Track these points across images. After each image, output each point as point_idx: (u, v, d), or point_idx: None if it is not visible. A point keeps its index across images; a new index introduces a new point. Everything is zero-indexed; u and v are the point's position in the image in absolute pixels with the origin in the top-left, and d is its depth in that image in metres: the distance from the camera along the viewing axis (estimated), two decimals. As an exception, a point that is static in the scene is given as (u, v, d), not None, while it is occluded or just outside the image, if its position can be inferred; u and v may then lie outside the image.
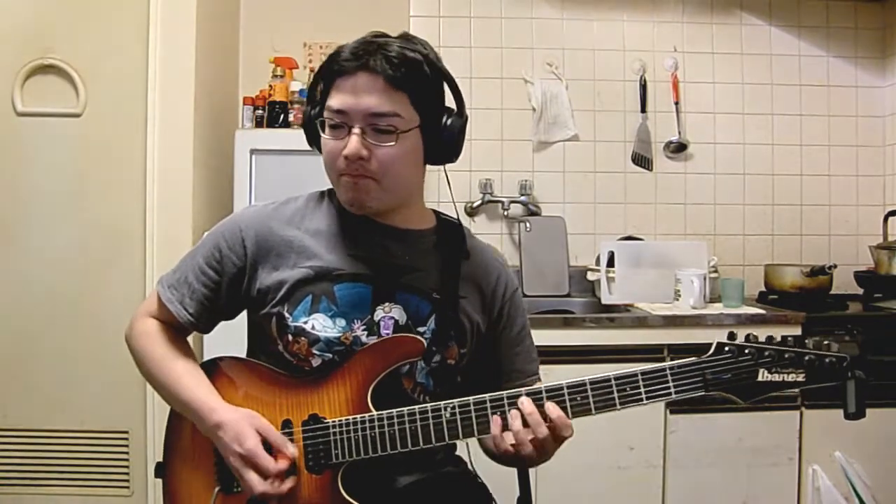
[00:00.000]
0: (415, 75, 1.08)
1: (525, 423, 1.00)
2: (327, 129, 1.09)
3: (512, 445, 1.01)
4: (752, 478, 2.22)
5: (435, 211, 1.26)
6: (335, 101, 1.08)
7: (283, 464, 1.04)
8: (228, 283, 1.16)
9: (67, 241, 2.19)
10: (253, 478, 1.02)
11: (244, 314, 1.22)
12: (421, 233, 1.20)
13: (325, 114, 1.09)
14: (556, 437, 1.01)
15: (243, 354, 1.21)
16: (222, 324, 1.23)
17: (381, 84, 1.06)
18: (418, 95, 1.09)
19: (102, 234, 2.19)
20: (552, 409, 1.00)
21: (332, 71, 1.09)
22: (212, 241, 1.18)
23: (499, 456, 1.08)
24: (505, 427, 1.01)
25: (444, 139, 1.13)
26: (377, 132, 1.07)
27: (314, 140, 1.16)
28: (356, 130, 1.06)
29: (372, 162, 1.07)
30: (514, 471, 1.28)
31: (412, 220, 1.20)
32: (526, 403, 1.01)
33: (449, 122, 1.13)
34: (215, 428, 1.06)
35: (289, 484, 1.04)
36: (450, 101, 1.16)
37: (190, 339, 1.24)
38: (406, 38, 1.12)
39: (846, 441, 2.21)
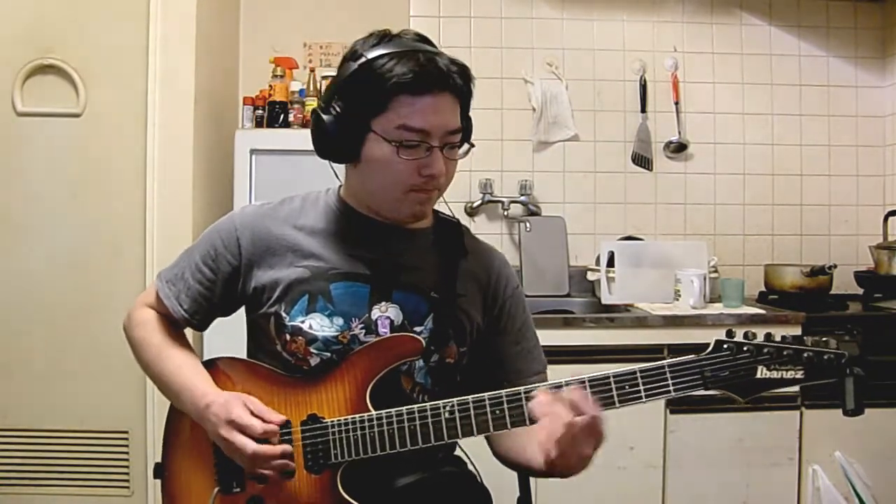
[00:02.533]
0: (470, 86, 1.11)
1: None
2: (402, 150, 1.05)
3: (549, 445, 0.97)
4: (752, 478, 2.22)
5: (433, 209, 1.26)
6: (415, 121, 1.04)
7: (271, 425, 1.04)
8: (224, 281, 1.17)
9: (67, 241, 2.19)
10: (242, 440, 1.02)
11: (241, 312, 1.22)
12: (419, 231, 1.20)
13: (399, 134, 1.04)
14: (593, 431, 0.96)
15: (242, 353, 1.22)
16: (221, 323, 1.24)
17: (455, 101, 1.08)
18: (466, 106, 1.12)
19: (102, 234, 2.19)
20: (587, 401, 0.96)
21: (394, 87, 1.03)
22: (208, 240, 1.19)
23: (532, 466, 1.09)
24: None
25: (467, 139, 1.14)
26: (450, 147, 1.08)
27: (338, 153, 1.11)
28: (437, 150, 1.06)
29: (444, 175, 1.09)
30: (514, 471, 1.28)
31: None
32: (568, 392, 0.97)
33: (470, 127, 1.15)
34: (205, 409, 1.06)
35: (281, 448, 1.04)
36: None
37: (189, 336, 1.24)
38: (417, 36, 1.11)
39: (846, 441, 2.21)
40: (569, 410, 0.94)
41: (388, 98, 1.04)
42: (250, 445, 1.02)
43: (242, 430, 1.03)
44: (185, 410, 1.12)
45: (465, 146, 1.12)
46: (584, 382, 1.00)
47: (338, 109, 1.08)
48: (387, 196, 1.11)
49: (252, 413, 1.05)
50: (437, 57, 1.06)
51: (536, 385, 1.02)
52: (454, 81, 1.06)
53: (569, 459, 0.98)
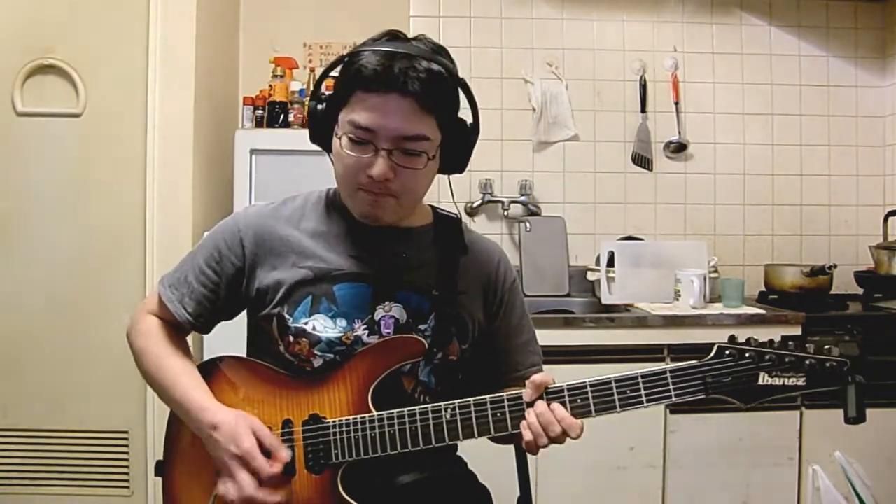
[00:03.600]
0: (443, 95, 1.06)
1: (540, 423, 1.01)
2: (347, 143, 1.06)
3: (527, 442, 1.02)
4: (752, 478, 2.22)
5: (432, 206, 1.26)
6: (361, 117, 1.04)
7: (276, 468, 1.03)
8: (227, 283, 1.17)
9: (67, 242, 2.19)
10: (246, 479, 1.01)
11: (244, 313, 1.22)
12: (419, 230, 1.20)
13: (348, 128, 1.05)
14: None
15: (243, 354, 1.21)
16: (222, 323, 1.23)
17: (414, 106, 1.03)
18: (445, 116, 1.08)
19: (102, 234, 2.19)
20: (557, 409, 1.01)
21: (354, 81, 1.05)
22: (211, 242, 1.19)
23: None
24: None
25: (460, 153, 1.13)
26: (404, 154, 1.05)
27: (319, 138, 1.14)
28: (383, 153, 1.04)
29: (395, 182, 1.06)
30: (514, 471, 1.28)
31: (411, 218, 1.20)
32: (540, 405, 1.01)
33: (466, 137, 1.12)
34: (210, 428, 1.05)
35: (279, 497, 1.02)
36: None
37: (189, 338, 1.24)
38: (424, 42, 1.09)
39: (846, 441, 2.21)
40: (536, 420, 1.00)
41: (349, 92, 1.06)
42: (250, 490, 1.01)
43: (249, 468, 1.01)
44: (185, 421, 1.11)
45: (428, 160, 1.07)
46: (585, 386, 1.01)
47: (322, 98, 1.12)
48: (342, 191, 1.13)
49: (261, 443, 1.03)
50: (408, 59, 1.03)
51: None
52: (410, 86, 1.01)
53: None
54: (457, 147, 1.12)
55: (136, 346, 1.19)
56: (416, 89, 1.02)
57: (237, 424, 1.04)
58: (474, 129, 1.14)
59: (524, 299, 1.29)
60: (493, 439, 1.17)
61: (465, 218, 2.69)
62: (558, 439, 1.01)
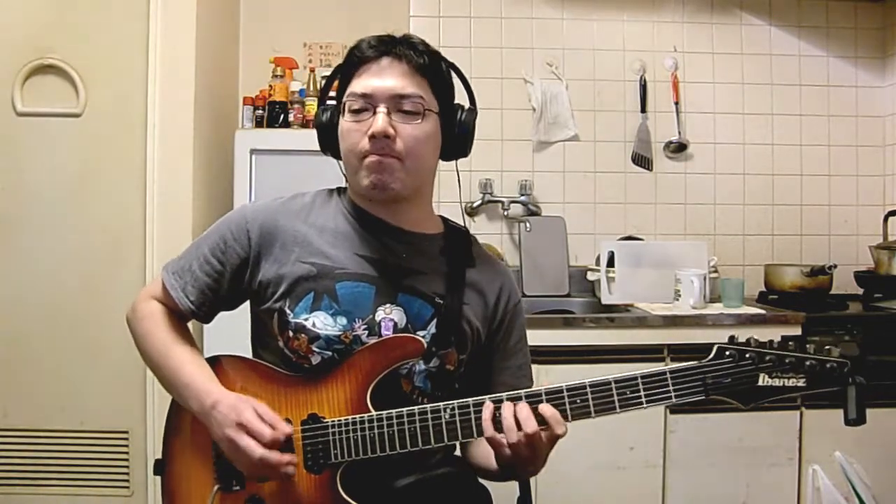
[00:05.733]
0: (436, 64, 1.13)
1: (517, 423, 0.99)
2: (349, 115, 1.11)
3: (508, 446, 1.00)
4: (752, 478, 2.22)
5: (442, 217, 1.27)
6: (359, 85, 1.11)
7: (279, 433, 1.03)
8: (231, 273, 1.17)
9: (67, 241, 2.19)
10: (250, 443, 1.02)
11: (246, 306, 1.22)
12: (428, 237, 1.21)
13: (348, 99, 1.12)
14: (550, 436, 1.00)
15: (243, 348, 1.22)
16: (225, 317, 1.24)
17: (406, 68, 1.11)
18: (438, 85, 1.13)
19: (102, 234, 2.19)
20: (545, 408, 1.00)
21: (351, 63, 1.13)
22: (217, 232, 1.19)
23: (491, 470, 1.11)
24: (497, 427, 1.01)
25: (459, 132, 1.17)
26: (402, 113, 1.10)
27: (327, 142, 1.18)
28: (382, 109, 1.08)
29: (397, 142, 1.09)
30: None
31: (421, 223, 1.20)
32: (510, 404, 1.01)
33: (464, 116, 1.17)
34: (212, 407, 1.06)
35: (288, 457, 1.04)
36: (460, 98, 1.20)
37: (192, 331, 1.24)
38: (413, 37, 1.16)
39: (846, 441, 2.21)
40: (515, 427, 0.99)
41: (349, 77, 1.14)
42: (258, 450, 1.02)
43: (251, 434, 1.02)
44: (187, 406, 1.12)
45: (426, 111, 1.11)
46: (584, 387, 1.01)
47: (326, 102, 1.20)
48: (351, 171, 1.15)
49: (261, 418, 1.04)
50: (396, 36, 1.13)
51: (536, 389, 1.03)
52: (402, 50, 1.10)
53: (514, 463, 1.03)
54: (456, 125, 1.17)
55: (139, 329, 1.19)
56: (407, 53, 1.10)
57: (236, 401, 1.06)
58: (472, 108, 1.19)
59: (525, 322, 1.28)
60: (483, 473, 1.19)
61: (465, 219, 2.69)
62: (532, 441, 0.99)
